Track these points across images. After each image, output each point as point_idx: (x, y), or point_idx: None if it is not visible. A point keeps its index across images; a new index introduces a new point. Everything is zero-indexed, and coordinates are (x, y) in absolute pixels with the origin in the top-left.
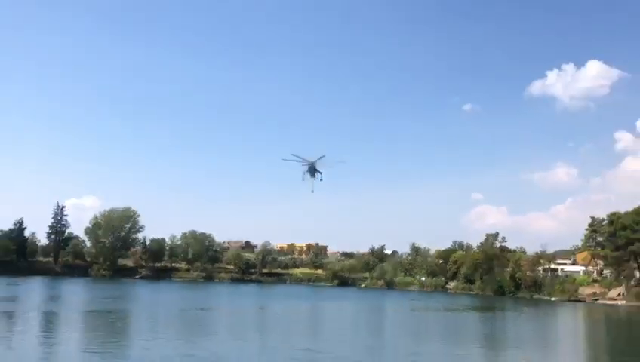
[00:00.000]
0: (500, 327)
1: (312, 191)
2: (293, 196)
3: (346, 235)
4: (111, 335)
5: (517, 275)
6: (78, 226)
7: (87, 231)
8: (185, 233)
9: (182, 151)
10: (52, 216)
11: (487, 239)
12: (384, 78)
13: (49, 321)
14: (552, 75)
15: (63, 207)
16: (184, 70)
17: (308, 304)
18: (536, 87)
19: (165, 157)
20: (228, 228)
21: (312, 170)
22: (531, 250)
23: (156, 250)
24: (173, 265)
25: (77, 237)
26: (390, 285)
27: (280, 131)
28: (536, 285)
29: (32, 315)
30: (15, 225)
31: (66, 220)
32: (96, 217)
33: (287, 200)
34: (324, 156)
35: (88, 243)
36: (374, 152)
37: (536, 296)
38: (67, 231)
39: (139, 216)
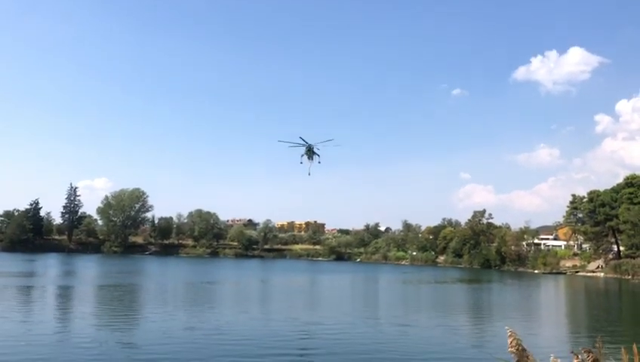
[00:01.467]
0: (487, 298)
1: (309, 174)
2: (293, 176)
3: (343, 213)
4: (121, 308)
5: (502, 250)
6: (90, 206)
7: (99, 211)
8: (191, 212)
9: (188, 133)
10: (66, 196)
11: (474, 216)
12: (377, 66)
13: (64, 295)
14: (535, 61)
15: (75, 188)
16: (191, 51)
17: (307, 277)
18: (520, 73)
19: (173, 140)
20: (232, 207)
21: (310, 153)
22: (516, 226)
23: (164, 227)
24: (180, 241)
25: (89, 216)
26: (384, 259)
27: (280, 113)
28: (521, 259)
29: (49, 289)
30: (31, 205)
31: (79, 200)
32: (107, 198)
33: (287, 180)
34: (332, 140)
35: (100, 222)
36: (369, 135)
37: (520, 269)
38: (80, 210)
39: (147, 196)
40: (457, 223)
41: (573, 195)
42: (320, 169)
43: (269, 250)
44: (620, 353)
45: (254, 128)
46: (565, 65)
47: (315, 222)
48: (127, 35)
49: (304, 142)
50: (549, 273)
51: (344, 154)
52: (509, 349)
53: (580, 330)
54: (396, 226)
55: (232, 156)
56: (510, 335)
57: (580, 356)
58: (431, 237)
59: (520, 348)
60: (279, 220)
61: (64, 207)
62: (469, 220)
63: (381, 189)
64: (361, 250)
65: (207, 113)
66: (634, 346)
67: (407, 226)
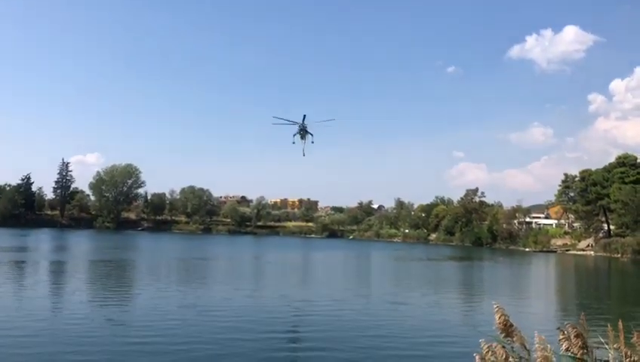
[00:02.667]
0: (478, 275)
1: (304, 155)
2: (286, 153)
3: (336, 191)
4: (113, 284)
5: (494, 228)
6: (82, 181)
7: (91, 186)
8: (184, 188)
9: (182, 109)
10: (58, 172)
11: (467, 194)
12: (370, 41)
13: (56, 270)
14: (530, 40)
15: (67, 163)
16: (184, 29)
17: (300, 253)
18: (515, 51)
19: (166, 115)
20: (225, 184)
21: (303, 132)
22: (508, 204)
23: (157, 203)
24: (173, 218)
25: (82, 191)
26: (376, 237)
27: (273, 91)
28: (512, 237)
29: (40, 264)
30: (23, 180)
31: (70, 175)
32: (99, 173)
33: (280, 157)
34: (333, 119)
35: (92, 198)
36: (362, 111)
37: (511, 247)
38: (72, 186)
39: (140, 172)
40: (450, 201)
41: (566, 174)
42: (313, 146)
43: (262, 227)
44: (606, 329)
45: (248, 105)
46: (560, 44)
47: (309, 199)
48: (122, 9)
49: (296, 122)
50: (539, 251)
51: (337, 132)
52: (496, 325)
53: (568, 307)
54: (389, 204)
55: (226, 133)
56: (497, 311)
57: (565, 332)
58: (423, 215)
59: (507, 324)
60: (272, 197)
61: (56, 182)
62: (461, 198)
63: (374, 167)
64: (354, 227)
65: (202, 90)
66: (619, 322)
67: (400, 204)
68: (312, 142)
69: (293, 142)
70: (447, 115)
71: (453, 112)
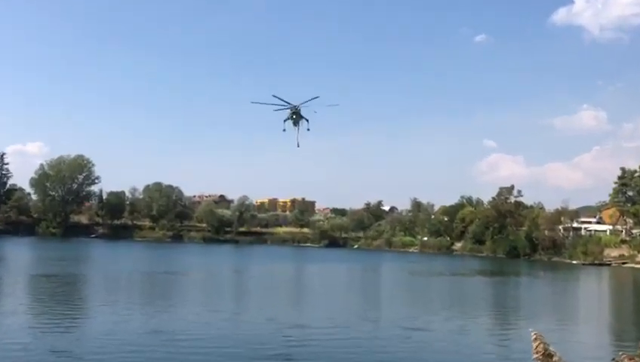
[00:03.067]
0: (513, 294)
1: (298, 145)
2: (276, 144)
3: (337, 189)
4: (59, 305)
5: (533, 235)
6: (21, 177)
7: (33, 183)
8: (148, 185)
9: (144, 91)
10: None
11: (500, 193)
12: (382, 8)
13: None
14: (579, 2)
15: (3, 154)
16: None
17: (292, 267)
18: (560, 16)
19: (123, 95)
20: (199, 180)
21: (297, 118)
22: (551, 205)
23: (115, 204)
24: (134, 222)
25: (21, 189)
26: (387, 246)
27: (259, 65)
28: (556, 246)
29: None
30: None
31: (7, 169)
32: (43, 166)
33: (267, 149)
34: (317, 97)
35: (34, 197)
36: (370, 93)
37: (555, 259)
38: (9, 182)
39: (93, 165)
40: (479, 202)
41: (623, 169)
42: (309, 135)
43: (245, 234)
44: None
45: (226, 86)
46: (615, 7)
47: (303, 199)
48: None
49: (287, 104)
50: (590, 264)
51: (339, 117)
52: (534, 355)
53: (625, 334)
54: (403, 205)
55: (200, 118)
56: (535, 339)
57: None
58: (446, 219)
59: (547, 353)
60: (258, 197)
61: None
62: (493, 198)
63: (385, 160)
64: (360, 234)
65: (167, 63)
66: None
67: (417, 205)
68: (308, 130)
69: (284, 130)
70: (475, 95)
71: (483, 92)
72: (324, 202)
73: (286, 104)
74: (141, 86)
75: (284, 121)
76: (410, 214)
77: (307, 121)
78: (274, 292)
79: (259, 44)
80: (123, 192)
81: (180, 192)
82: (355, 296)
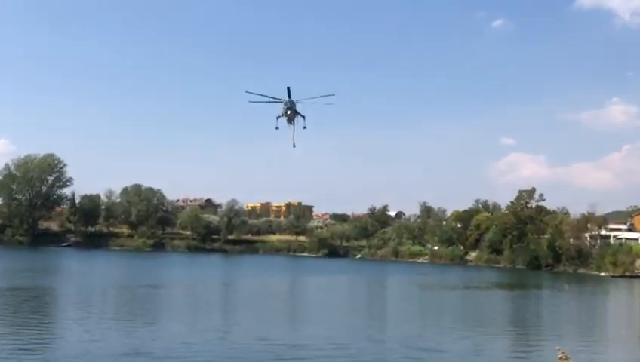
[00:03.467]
0: (534, 310)
1: (294, 145)
2: (268, 142)
3: (337, 192)
4: (27, 320)
5: (557, 243)
6: None
7: None
8: (126, 188)
9: (121, 83)
10: None
11: (519, 197)
12: None
13: None
14: None
15: None
16: None
17: (287, 279)
18: None
19: (101, 93)
20: (183, 183)
21: (292, 114)
22: (576, 210)
23: (89, 209)
24: (111, 229)
25: None
26: (394, 256)
27: (250, 59)
28: (582, 256)
29: None
30: None
31: None
32: (8, 166)
33: (260, 147)
34: (332, 95)
35: None
36: (373, 85)
37: (581, 271)
38: None
39: (65, 165)
40: (496, 207)
41: None
42: (306, 133)
43: (234, 242)
44: None
45: (212, 74)
46: None
47: (299, 204)
48: None
49: (280, 99)
50: (620, 276)
51: (339, 112)
52: None
53: None
54: (411, 211)
55: (183, 114)
56: (562, 359)
57: None
58: (459, 225)
59: None
60: (249, 201)
61: None
62: (511, 203)
63: (391, 161)
64: (363, 242)
65: (146, 50)
66: None
67: (427, 211)
68: (304, 128)
69: (277, 128)
70: (492, 87)
71: (501, 83)
72: (322, 207)
73: (278, 99)
74: (118, 79)
75: (277, 117)
76: (419, 220)
77: (303, 118)
78: (266, 309)
79: (250, 32)
80: (98, 196)
81: (162, 196)
82: (358, 313)
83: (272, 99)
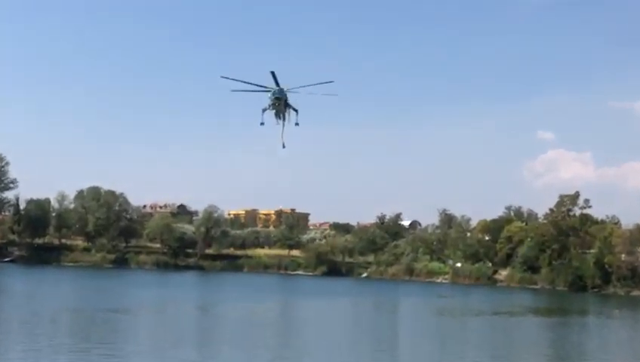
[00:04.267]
0: (577, 341)
1: (283, 146)
2: (256, 138)
3: (338, 197)
4: None
5: (606, 260)
6: None
7: None
8: (82, 191)
9: (77, 63)
10: None
11: (560, 203)
12: None
13: None
14: None
15: None
16: None
17: (277, 304)
18: None
19: (52, 79)
20: (151, 185)
21: (281, 107)
22: (629, 220)
23: (36, 217)
24: (63, 241)
25: None
26: (408, 274)
27: (225, 36)
28: (637, 276)
29: None
30: None
31: None
32: None
33: (243, 145)
34: (331, 82)
35: None
36: (381, 70)
37: (635, 293)
38: None
39: (7, 163)
40: (531, 215)
41: None
42: (299, 129)
43: (214, 257)
44: None
45: (186, 55)
46: None
47: (293, 211)
48: None
49: (267, 87)
50: None
51: (341, 102)
52: None
53: None
54: (429, 220)
55: (152, 106)
56: None
57: None
58: (487, 238)
59: None
60: (232, 207)
61: None
62: (550, 210)
63: (403, 160)
64: (371, 258)
65: (108, 29)
66: None
67: (448, 220)
68: (297, 124)
69: (262, 123)
70: (527, 72)
71: (539, 68)
72: (320, 215)
73: (264, 87)
74: (75, 64)
75: (263, 111)
76: (438, 231)
77: (296, 111)
78: (252, 340)
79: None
80: (48, 201)
81: (126, 201)
82: (363, 345)
83: (256, 88)
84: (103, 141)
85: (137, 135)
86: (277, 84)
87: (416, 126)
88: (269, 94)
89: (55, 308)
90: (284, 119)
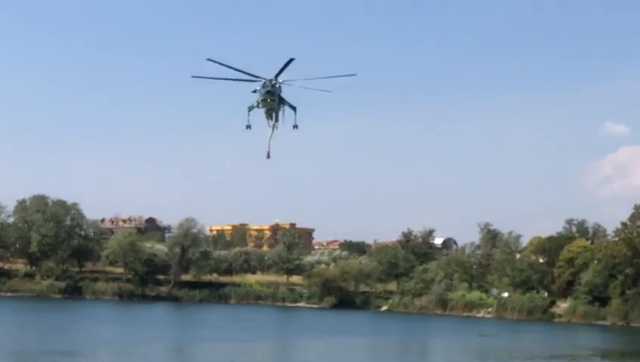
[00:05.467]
0: None
1: (268, 156)
2: (245, 137)
3: (349, 210)
4: None
5: None
6: None
7: None
8: (23, 201)
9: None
10: None
11: (635, 215)
12: None
13: None
14: None
15: None
16: None
17: (272, 344)
18: None
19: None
20: (112, 194)
21: (272, 103)
22: None
23: None
24: (1, 264)
25: None
26: (440, 307)
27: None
28: None
29: None
30: None
31: None
32: None
33: (231, 143)
34: (354, 74)
35: None
36: (400, 53)
37: None
38: None
39: None
40: (599, 231)
41: None
42: (304, 128)
43: (192, 285)
44: None
45: (158, 40)
46: None
47: (292, 226)
48: None
49: (258, 77)
50: None
51: (354, 90)
52: None
53: None
54: (467, 237)
55: (115, 95)
56: None
57: None
58: (541, 260)
59: None
60: (215, 222)
61: None
62: (623, 224)
63: (432, 162)
64: (393, 286)
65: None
66: None
67: (492, 237)
68: (296, 127)
69: (249, 126)
70: (588, 51)
71: (603, 46)
72: (327, 231)
73: (249, 76)
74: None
75: (249, 109)
76: (478, 252)
77: (294, 110)
78: None
79: None
80: None
81: (79, 214)
82: None
83: (245, 76)
84: (49, 141)
85: (94, 130)
86: (278, 74)
87: (448, 120)
88: (258, 86)
89: None
90: (276, 120)
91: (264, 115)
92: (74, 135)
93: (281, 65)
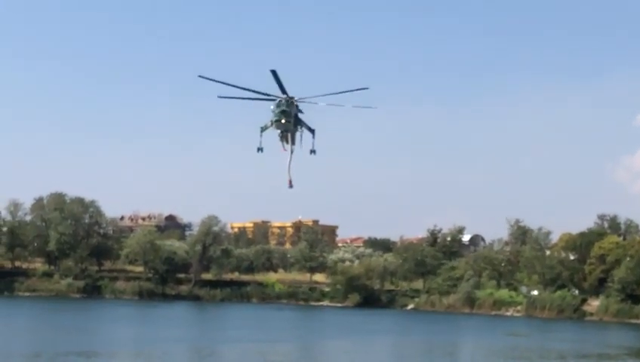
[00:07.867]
0: None
1: (290, 186)
2: (266, 133)
3: (374, 207)
4: None
5: None
6: None
7: None
8: (41, 199)
9: (35, 62)
10: None
11: None
12: None
13: None
14: None
15: None
16: None
17: (295, 345)
18: None
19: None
20: (131, 192)
21: (289, 126)
22: None
23: None
24: (17, 264)
25: None
26: (468, 305)
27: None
28: None
29: None
30: None
31: None
32: None
33: (250, 139)
34: (366, 88)
35: None
36: (424, 47)
37: None
38: None
39: None
40: (631, 227)
41: None
42: (324, 126)
43: (213, 284)
44: None
45: (163, 44)
46: None
47: (315, 223)
48: None
49: (271, 96)
50: None
51: (378, 82)
52: None
53: None
54: (496, 233)
55: (129, 96)
56: None
57: None
58: (572, 257)
59: None
60: (236, 219)
61: None
62: None
63: (460, 155)
64: (419, 284)
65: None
66: None
67: (521, 233)
68: (313, 152)
69: (260, 149)
70: (623, 34)
71: (637, 31)
72: (352, 228)
73: (266, 96)
74: (31, 65)
75: (262, 130)
76: (507, 249)
77: (312, 132)
78: None
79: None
80: None
81: (98, 211)
82: None
83: (255, 96)
84: (67, 139)
85: (108, 130)
86: (282, 90)
87: (476, 113)
88: (273, 106)
89: (5, 351)
90: (292, 143)
91: (280, 137)
92: (92, 133)
93: (275, 81)
